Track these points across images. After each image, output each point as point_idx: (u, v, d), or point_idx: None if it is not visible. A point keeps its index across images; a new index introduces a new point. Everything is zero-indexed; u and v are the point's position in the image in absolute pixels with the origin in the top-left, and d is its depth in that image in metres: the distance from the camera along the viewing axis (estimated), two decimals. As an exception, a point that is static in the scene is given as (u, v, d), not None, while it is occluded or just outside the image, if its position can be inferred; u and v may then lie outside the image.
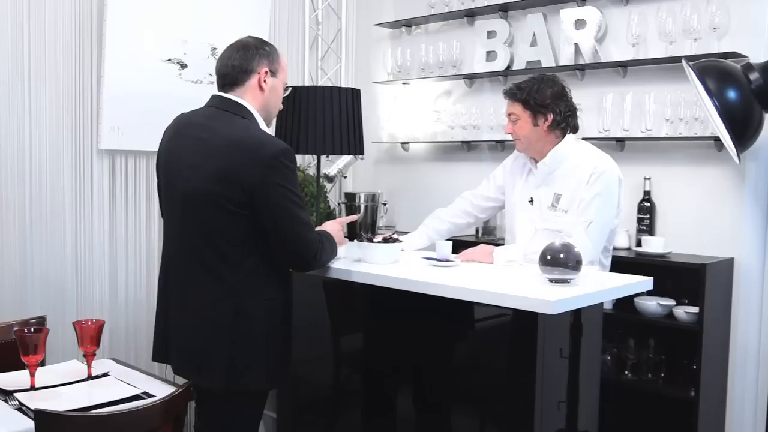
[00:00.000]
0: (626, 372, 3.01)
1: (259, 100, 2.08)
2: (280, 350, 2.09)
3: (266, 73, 2.07)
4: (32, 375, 1.95)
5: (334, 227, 2.33)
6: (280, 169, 1.94)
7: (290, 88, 2.26)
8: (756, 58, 2.76)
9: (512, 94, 2.49)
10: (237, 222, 1.95)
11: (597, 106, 3.22)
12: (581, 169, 2.43)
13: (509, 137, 2.73)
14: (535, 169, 2.53)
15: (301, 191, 3.52)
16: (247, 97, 2.07)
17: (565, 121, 2.45)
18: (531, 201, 2.54)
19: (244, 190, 1.92)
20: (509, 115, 2.51)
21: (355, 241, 2.45)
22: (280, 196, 1.94)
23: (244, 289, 1.99)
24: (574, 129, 2.51)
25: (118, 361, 2.32)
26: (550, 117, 2.43)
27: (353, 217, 2.49)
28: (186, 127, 2.11)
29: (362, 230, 2.87)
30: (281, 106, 2.20)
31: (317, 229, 2.21)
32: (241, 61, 2.06)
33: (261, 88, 2.07)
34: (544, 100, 2.42)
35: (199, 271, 2.00)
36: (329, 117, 2.94)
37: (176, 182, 2.05)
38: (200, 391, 2.07)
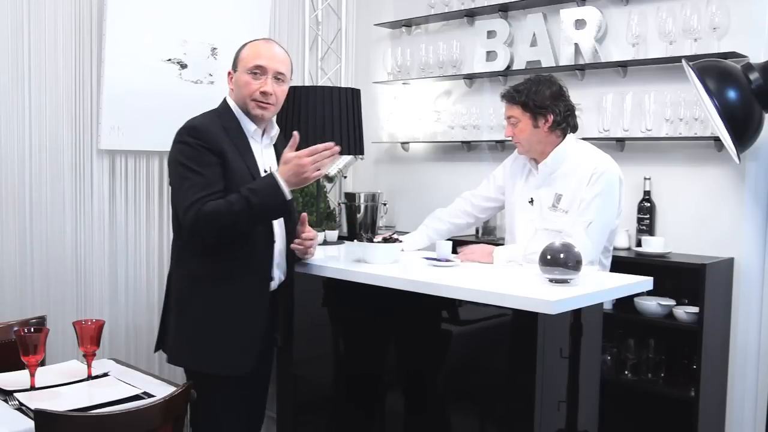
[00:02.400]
0: (626, 372, 3.01)
1: (233, 98, 2.25)
2: (192, 327, 2.12)
3: (229, 74, 2.26)
4: (32, 375, 1.95)
5: (290, 165, 2.08)
6: (178, 144, 2.13)
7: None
8: (756, 58, 2.76)
9: (511, 97, 2.48)
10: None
11: (597, 106, 3.22)
12: (582, 170, 2.43)
13: (509, 138, 2.72)
14: (536, 170, 2.53)
15: (300, 191, 3.55)
16: (230, 97, 2.27)
17: (565, 120, 2.45)
18: (531, 201, 2.53)
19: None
20: (509, 118, 2.50)
21: (355, 241, 2.44)
22: (172, 169, 2.14)
23: (174, 260, 2.24)
24: (574, 128, 2.51)
25: (118, 361, 2.32)
26: (551, 117, 2.43)
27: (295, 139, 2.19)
28: None
29: (362, 230, 2.87)
30: (255, 96, 2.17)
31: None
32: None
33: (230, 88, 2.26)
34: (544, 101, 2.42)
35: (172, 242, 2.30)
36: (329, 117, 2.95)
37: None
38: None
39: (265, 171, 2.19)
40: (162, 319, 2.27)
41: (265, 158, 2.25)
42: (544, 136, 2.45)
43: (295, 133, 2.15)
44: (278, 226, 2.22)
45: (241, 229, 2.08)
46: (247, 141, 2.20)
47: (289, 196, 2.05)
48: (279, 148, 2.30)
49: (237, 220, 2.03)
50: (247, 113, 2.19)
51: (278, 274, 2.25)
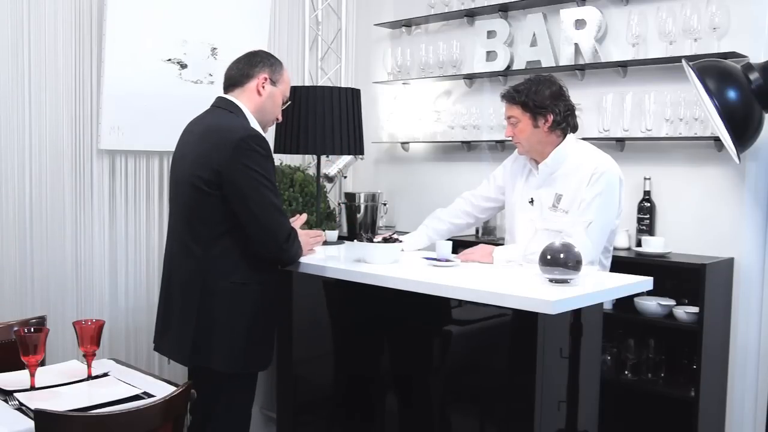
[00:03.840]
0: (626, 372, 3.01)
1: (255, 103, 2.25)
2: (246, 334, 2.16)
3: (265, 79, 2.26)
4: (32, 375, 1.95)
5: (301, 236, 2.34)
6: (247, 151, 2.07)
7: (289, 102, 2.44)
8: (756, 58, 2.76)
9: (510, 97, 2.48)
10: (209, 203, 2.10)
11: (597, 106, 3.22)
12: (582, 170, 2.43)
13: (509, 138, 2.71)
14: (536, 170, 2.53)
15: (300, 191, 3.55)
16: (243, 98, 2.26)
17: (565, 120, 2.45)
18: (531, 201, 2.53)
19: (213, 170, 2.07)
20: (509, 118, 2.49)
21: (355, 241, 2.45)
22: (247, 177, 2.07)
23: (212, 269, 2.13)
24: (574, 128, 2.51)
25: (118, 361, 2.32)
26: (550, 117, 2.43)
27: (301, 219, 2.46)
28: (188, 126, 2.31)
29: (362, 230, 2.87)
30: (279, 117, 2.36)
31: None
32: (245, 64, 2.28)
33: (259, 92, 2.25)
34: (543, 100, 2.42)
35: (179, 252, 2.20)
36: (329, 117, 2.94)
37: (173, 174, 2.29)
38: (191, 373, 2.24)
39: None
40: (196, 331, 2.14)
41: None
42: (544, 136, 2.45)
43: (303, 215, 2.43)
44: None
45: (290, 261, 2.29)
46: None
47: None
48: None
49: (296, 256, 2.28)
50: (261, 123, 2.28)
51: None
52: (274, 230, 2.13)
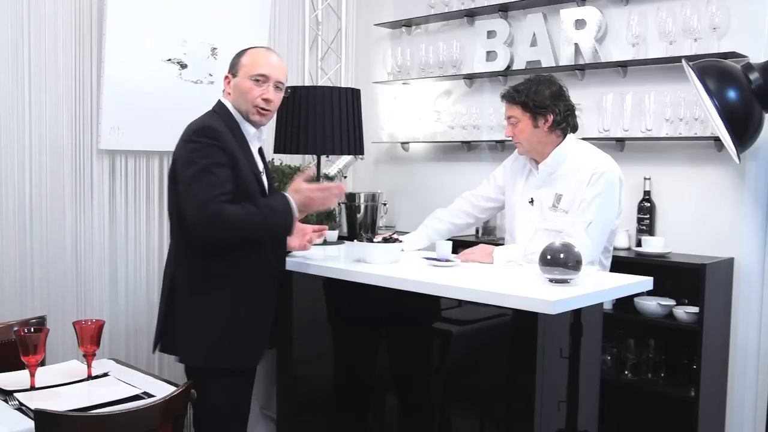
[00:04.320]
0: (626, 372, 3.01)
1: (231, 102, 2.28)
2: (209, 325, 2.16)
3: (227, 78, 2.29)
4: (32, 375, 1.95)
5: (302, 195, 2.24)
6: (191, 142, 2.13)
7: (288, 89, 2.44)
8: (756, 58, 2.76)
9: (510, 97, 2.48)
10: (172, 194, 2.21)
11: (597, 106, 3.22)
12: (582, 170, 2.43)
13: (509, 138, 2.70)
14: (536, 170, 2.53)
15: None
16: (227, 100, 2.31)
17: (565, 120, 2.45)
18: (531, 201, 2.53)
19: (173, 163, 2.21)
20: (509, 118, 2.50)
21: (355, 241, 2.45)
22: (185, 168, 2.11)
23: (179, 258, 2.23)
24: (574, 128, 2.51)
25: (118, 361, 2.32)
26: (550, 117, 2.43)
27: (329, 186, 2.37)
28: None
29: (362, 230, 2.87)
30: (257, 103, 2.25)
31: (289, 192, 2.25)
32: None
33: (227, 92, 2.29)
34: (543, 100, 2.42)
35: (170, 244, 2.31)
36: (329, 117, 2.94)
37: None
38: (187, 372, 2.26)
39: (260, 172, 2.29)
40: (163, 320, 2.26)
41: (258, 160, 2.33)
42: (544, 136, 2.45)
43: (312, 166, 2.28)
44: None
45: (249, 237, 2.18)
46: (248, 144, 2.27)
47: (296, 220, 2.22)
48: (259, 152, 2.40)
49: (252, 230, 2.14)
50: (246, 117, 2.27)
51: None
52: (190, 217, 2.08)
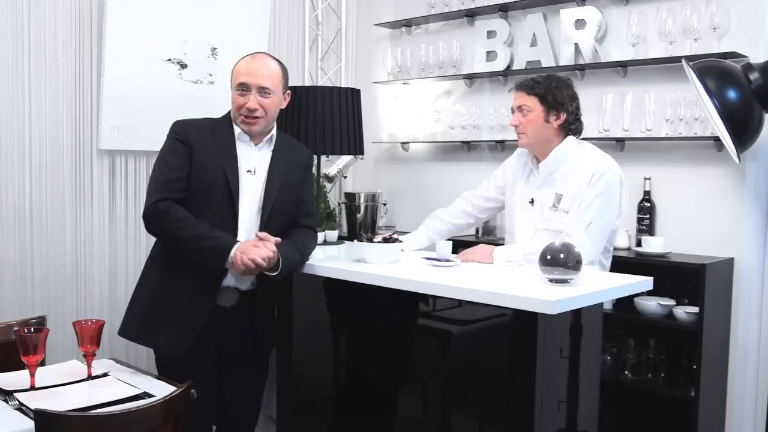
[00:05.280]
0: (626, 372, 3.01)
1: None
2: (142, 303, 2.35)
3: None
4: (32, 375, 1.95)
5: (245, 243, 2.22)
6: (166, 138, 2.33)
7: (288, 91, 2.44)
8: (756, 58, 2.76)
9: (530, 87, 2.46)
10: None
11: (597, 106, 3.22)
12: (583, 170, 2.43)
13: (509, 137, 2.72)
14: (537, 170, 2.53)
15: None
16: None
17: (576, 122, 2.47)
18: (531, 202, 2.53)
19: None
20: (519, 107, 2.47)
21: (355, 241, 2.44)
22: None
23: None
24: (579, 132, 2.52)
25: (118, 361, 2.33)
26: (563, 116, 2.44)
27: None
28: None
29: (362, 230, 2.87)
30: (242, 111, 2.31)
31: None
32: None
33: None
34: (563, 98, 2.44)
35: None
36: (329, 117, 2.94)
37: None
38: None
39: (249, 171, 2.32)
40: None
41: (253, 160, 2.35)
42: (551, 133, 2.46)
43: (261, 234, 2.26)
44: (245, 232, 2.30)
45: (175, 247, 2.27)
46: (233, 143, 2.32)
47: (227, 265, 2.20)
48: (276, 153, 2.39)
49: (179, 239, 2.22)
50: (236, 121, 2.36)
51: (233, 281, 2.32)
52: (149, 183, 2.28)
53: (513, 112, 2.52)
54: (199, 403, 2.06)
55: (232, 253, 2.17)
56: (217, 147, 2.28)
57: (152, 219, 2.23)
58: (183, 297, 2.28)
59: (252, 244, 2.20)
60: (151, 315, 2.31)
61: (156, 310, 2.31)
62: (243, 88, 2.28)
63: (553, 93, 2.43)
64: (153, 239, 3.36)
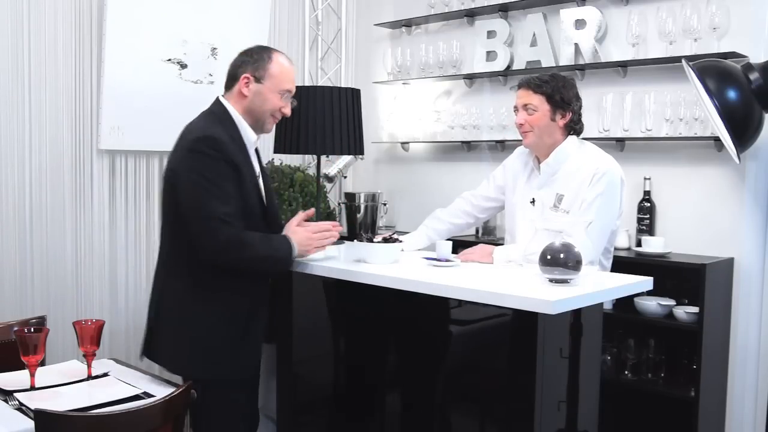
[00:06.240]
0: (626, 372, 3.01)
1: (242, 105, 2.19)
2: (199, 336, 2.12)
3: (247, 79, 2.17)
4: (32, 375, 1.95)
5: (301, 235, 2.23)
6: (195, 152, 2.05)
7: (294, 100, 2.31)
8: (756, 58, 2.76)
9: (537, 85, 2.44)
10: (168, 202, 2.15)
11: (597, 106, 3.22)
12: (584, 170, 2.42)
13: (509, 137, 2.71)
14: (538, 170, 2.53)
15: (300, 191, 3.55)
16: (232, 100, 2.20)
17: (579, 123, 2.48)
18: (533, 202, 2.53)
19: (170, 170, 2.13)
20: (525, 105, 2.46)
21: (355, 241, 2.44)
22: (188, 177, 2.06)
23: (167, 267, 2.18)
24: (580, 132, 2.52)
25: (118, 361, 2.32)
26: (568, 116, 2.44)
27: (306, 215, 2.32)
28: None
29: (362, 230, 2.87)
30: (283, 112, 2.24)
31: (285, 233, 2.22)
32: (232, 67, 2.23)
33: (242, 94, 2.18)
34: (570, 98, 2.44)
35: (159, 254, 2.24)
36: (329, 117, 2.94)
37: None
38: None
39: (258, 176, 2.25)
40: (150, 328, 2.21)
41: (255, 164, 2.30)
42: (556, 132, 2.45)
43: (312, 210, 2.32)
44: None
45: (250, 268, 2.16)
46: (247, 151, 2.22)
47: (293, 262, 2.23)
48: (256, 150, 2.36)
49: (256, 261, 2.14)
50: (254, 124, 2.22)
51: None
52: (203, 239, 2.05)
53: (516, 110, 2.51)
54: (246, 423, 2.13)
55: (295, 253, 2.19)
56: (246, 162, 2.17)
57: (231, 254, 2.06)
58: (244, 315, 2.18)
59: (298, 225, 2.24)
60: (216, 344, 2.13)
61: (222, 338, 2.14)
62: (288, 94, 2.22)
63: (561, 92, 2.43)
64: (152, 239, 3.40)
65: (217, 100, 2.23)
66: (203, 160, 2.04)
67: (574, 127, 2.48)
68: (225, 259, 2.08)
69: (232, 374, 2.16)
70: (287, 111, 2.25)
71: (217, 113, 2.19)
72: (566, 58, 3.34)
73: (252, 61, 2.19)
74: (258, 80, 2.17)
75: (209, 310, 2.13)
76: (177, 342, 2.13)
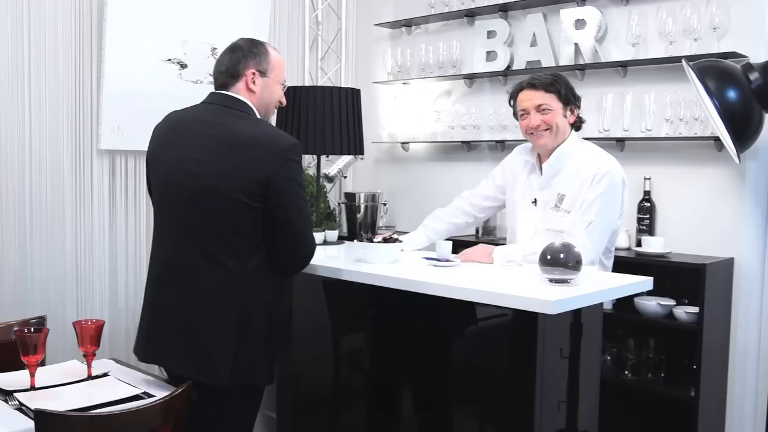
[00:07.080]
0: (626, 372, 3.01)
1: (252, 99, 2.16)
2: (274, 345, 2.14)
3: (254, 74, 2.14)
4: (32, 375, 1.95)
5: None
6: (291, 162, 2.03)
7: (285, 83, 2.30)
8: (756, 58, 2.76)
9: (549, 84, 2.43)
10: (249, 215, 2.00)
11: (597, 106, 3.22)
12: (585, 170, 2.42)
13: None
14: (539, 169, 2.52)
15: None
16: (240, 97, 2.16)
17: (582, 119, 2.51)
18: (534, 202, 2.53)
19: (260, 183, 1.98)
20: (539, 106, 2.42)
21: (355, 241, 2.44)
22: (290, 188, 2.03)
23: (249, 283, 2.04)
24: (579, 129, 2.54)
25: (118, 361, 2.32)
26: (576, 112, 2.47)
27: None
28: (185, 123, 2.14)
29: (362, 230, 2.87)
30: (282, 101, 2.26)
31: None
32: (229, 65, 2.15)
33: (250, 89, 2.15)
34: (576, 95, 2.47)
35: (206, 266, 2.01)
36: (329, 117, 2.94)
37: (179, 178, 2.04)
38: (198, 386, 2.02)
39: None
40: (238, 347, 2.03)
41: None
42: (567, 130, 2.47)
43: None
44: None
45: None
46: None
47: None
48: None
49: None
50: (263, 117, 2.22)
51: None
52: (309, 241, 2.11)
53: (525, 113, 2.46)
54: None
55: None
56: None
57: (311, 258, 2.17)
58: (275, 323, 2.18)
59: None
60: (267, 354, 2.11)
61: (270, 348, 2.13)
62: (284, 84, 2.25)
63: (570, 90, 2.45)
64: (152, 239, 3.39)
65: (228, 96, 2.13)
66: (298, 169, 2.07)
67: (581, 123, 2.51)
68: (307, 264, 2.17)
69: (268, 381, 2.15)
70: (284, 100, 2.28)
71: (251, 115, 2.14)
72: (566, 58, 3.34)
73: (253, 56, 2.16)
74: (263, 74, 2.16)
75: (273, 319, 2.12)
76: (265, 355, 2.08)
